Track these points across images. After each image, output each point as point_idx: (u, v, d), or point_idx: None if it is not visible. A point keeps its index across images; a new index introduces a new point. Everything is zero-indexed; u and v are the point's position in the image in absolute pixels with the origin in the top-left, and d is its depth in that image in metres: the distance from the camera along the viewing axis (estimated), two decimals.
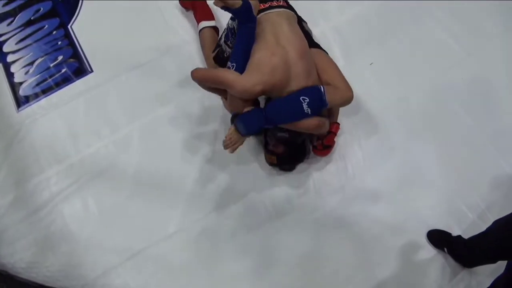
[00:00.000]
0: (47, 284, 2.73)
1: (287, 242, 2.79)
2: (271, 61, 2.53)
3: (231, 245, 2.81)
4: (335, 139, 2.86)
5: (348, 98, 2.65)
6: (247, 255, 2.78)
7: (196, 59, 3.27)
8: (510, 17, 3.43)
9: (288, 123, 2.58)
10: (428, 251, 2.74)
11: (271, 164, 2.88)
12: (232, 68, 2.56)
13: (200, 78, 2.66)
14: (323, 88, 2.55)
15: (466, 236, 2.58)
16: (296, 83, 2.56)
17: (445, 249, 2.69)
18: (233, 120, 2.61)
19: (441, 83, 3.17)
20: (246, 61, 2.57)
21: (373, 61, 3.12)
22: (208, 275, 2.74)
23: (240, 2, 2.50)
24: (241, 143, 2.59)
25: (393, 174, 2.93)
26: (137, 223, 2.84)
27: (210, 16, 3.23)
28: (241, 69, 2.55)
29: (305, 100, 2.49)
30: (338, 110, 2.88)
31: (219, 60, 2.92)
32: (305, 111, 2.49)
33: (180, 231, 2.82)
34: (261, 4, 2.77)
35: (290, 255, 2.77)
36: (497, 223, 2.32)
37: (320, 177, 2.93)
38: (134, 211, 2.87)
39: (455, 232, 2.71)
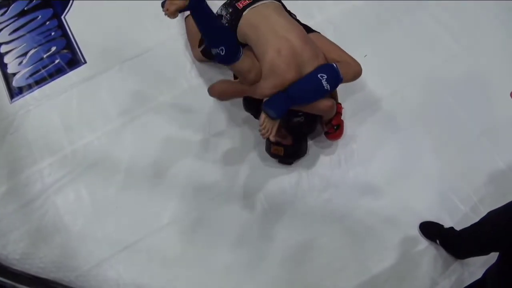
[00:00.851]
0: (40, 276, 2.72)
1: (280, 234, 2.80)
2: (281, 59, 2.53)
3: (224, 237, 2.81)
4: (342, 118, 2.90)
5: (359, 71, 2.71)
6: (240, 247, 2.79)
7: (190, 52, 3.26)
8: (505, 11, 3.44)
9: (311, 101, 2.58)
10: (421, 243, 2.75)
11: (275, 156, 2.87)
12: (222, 53, 2.42)
13: (219, 95, 2.82)
14: (336, 65, 2.56)
15: (458, 228, 2.59)
16: (309, 67, 2.57)
17: (437, 241, 2.70)
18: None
19: (435, 77, 3.18)
20: (229, 37, 2.47)
21: (367, 54, 3.12)
22: (201, 266, 2.74)
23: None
24: (277, 128, 2.55)
25: (386, 166, 2.93)
26: (130, 215, 2.84)
27: None
28: (231, 48, 2.45)
29: (323, 77, 2.49)
30: (336, 91, 2.88)
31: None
32: (325, 87, 2.50)
33: (173, 223, 2.82)
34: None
35: (283, 247, 2.77)
36: (490, 215, 2.32)
37: (313, 170, 2.94)
38: (127, 202, 2.87)
39: (447, 224, 2.72)
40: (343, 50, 2.76)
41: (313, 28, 2.88)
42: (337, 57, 2.69)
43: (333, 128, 2.87)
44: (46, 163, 2.98)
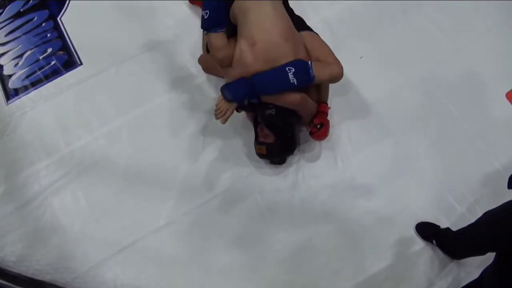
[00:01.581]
0: (37, 278, 2.72)
1: (277, 235, 2.80)
2: (252, 51, 2.56)
3: (221, 238, 2.81)
4: (328, 119, 2.88)
5: (338, 73, 2.67)
6: (237, 248, 2.79)
7: (186, 53, 3.27)
8: (499, 12, 3.44)
9: (274, 93, 2.60)
10: (417, 244, 2.76)
11: (260, 155, 2.87)
12: (206, 16, 2.58)
13: (202, 63, 3.03)
14: (310, 62, 2.57)
15: (454, 228, 2.60)
16: (283, 63, 2.57)
17: (434, 241, 2.71)
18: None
19: (430, 78, 3.18)
20: (220, 10, 2.60)
21: (362, 55, 3.13)
22: (198, 267, 2.75)
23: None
24: (231, 112, 2.60)
25: (382, 167, 2.94)
26: (128, 216, 2.84)
27: None
28: (214, 18, 2.59)
29: (291, 70, 2.51)
30: (328, 91, 2.90)
31: (208, 48, 2.92)
32: (291, 81, 2.51)
33: (171, 224, 2.83)
34: None
35: (280, 247, 2.78)
36: (486, 215, 2.33)
37: (310, 171, 2.94)
38: (124, 204, 2.87)
39: (443, 225, 2.73)
40: (331, 52, 2.75)
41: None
42: (320, 56, 2.69)
43: (316, 127, 2.84)
44: (43, 164, 2.98)
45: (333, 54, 2.74)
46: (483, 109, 3.11)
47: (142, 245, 2.78)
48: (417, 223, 2.78)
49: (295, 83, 2.53)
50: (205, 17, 2.56)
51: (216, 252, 2.78)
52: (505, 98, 3.15)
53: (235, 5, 2.66)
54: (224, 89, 2.56)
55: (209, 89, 3.15)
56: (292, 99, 2.65)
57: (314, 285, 2.71)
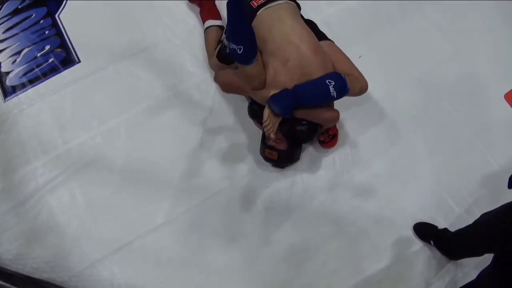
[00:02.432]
0: (34, 276, 2.71)
1: (275, 236, 2.80)
2: (286, 70, 2.55)
3: (218, 238, 2.81)
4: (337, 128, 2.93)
5: (365, 86, 2.73)
6: (235, 247, 2.79)
7: (184, 51, 3.27)
8: (498, 14, 3.45)
9: (315, 104, 2.58)
10: (415, 244, 2.77)
11: (268, 160, 2.85)
12: (239, 51, 2.41)
13: (222, 84, 2.80)
14: (343, 75, 2.57)
15: (452, 229, 2.61)
16: (316, 76, 2.57)
17: (432, 242, 2.72)
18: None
19: (429, 78, 3.19)
20: (252, 40, 2.44)
21: (361, 54, 3.12)
22: (196, 267, 2.74)
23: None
24: (278, 123, 2.55)
25: (380, 168, 2.94)
26: (125, 215, 2.84)
27: (217, 16, 3.20)
28: (249, 51, 2.44)
29: (331, 83, 2.50)
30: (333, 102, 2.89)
31: (222, 56, 2.90)
32: (331, 93, 2.50)
33: (168, 223, 2.82)
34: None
35: (278, 248, 2.78)
36: (484, 216, 2.34)
37: (308, 172, 2.94)
38: (121, 202, 2.86)
39: (441, 225, 2.73)
40: (353, 64, 2.77)
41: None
42: (346, 69, 2.68)
43: (329, 137, 2.90)
44: (40, 162, 2.96)
45: (356, 67, 2.76)
46: (481, 110, 3.12)
47: (139, 244, 2.78)
48: (415, 223, 2.78)
49: (335, 96, 2.52)
50: (239, 53, 2.41)
51: (213, 252, 2.78)
52: (504, 99, 3.16)
53: (255, 25, 2.63)
54: (270, 103, 2.50)
55: (207, 88, 3.14)
56: (331, 115, 2.72)
57: (312, 285, 2.71)
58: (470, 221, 2.46)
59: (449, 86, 3.18)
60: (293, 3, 2.83)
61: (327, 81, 2.51)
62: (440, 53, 3.29)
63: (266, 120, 2.49)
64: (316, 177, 2.93)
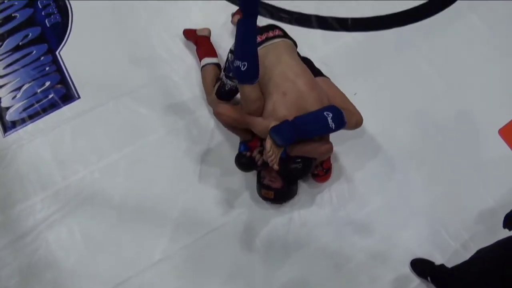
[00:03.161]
0: None
1: (273, 272, 2.79)
2: (284, 102, 2.60)
3: (216, 274, 2.80)
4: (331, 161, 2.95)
5: (360, 121, 2.80)
6: (233, 284, 2.78)
7: (183, 88, 3.31)
8: (490, 50, 3.52)
9: (314, 135, 2.63)
10: (412, 281, 2.77)
11: (266, 199, 2.88)
12: (242, 68, 2.47)
13: (224, 114, 2.77)
14: (341, 109, 2.61)
15: (449, 265, 2.61)
16: (313, 110, 2.62)
17: (428, 278, 2.71)
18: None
19: (424, 114, 3.24)
20: (256, 60, 2.52)
21: (357, 92, 3.17)
22: None
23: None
24: (279, 155, 2.56)
25: (377, 203, 2.96)
26: (123, 251, 2.83)
27: (213, 53, 3.26)
28: (252, 69, 2.51)
29: (329, 115, 2.53)
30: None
31: (221, 93, 2.95)
32: (330, 125, 2.53)
33: (166, 259, 2.81)
34: (258, 37, 2.79)
35: (275, 284, 2.77)
36: (481, 252, 2.35)
37: (306, 207, 2.96)
38: (120, 238, 2.85)
39: (438, 261, 2.74)
40: (348, 99, 2.83)
41: None
42: (341, 104, 2.72)
43: (323, 171, 2.92)
44: (39, 198, 2.96)
45: (350, 102, 2.83)
46: (476, 145, 3.16)
47: (137, 281, 2.76)
48: (412, 259, 2.79)
49: (333, 128, 2.55)
50: (242, 69, 2.47)
51: (211, 287, 2.77)
52: (498, 135, 3.20)
53: None
54: (272, 134, 2.50)
55: (206, 124, 3.17)
56: (326, 148, 2.74)
57: None
58: (467, 256, 2.47)
59: (444, 122, 3.23)
60: (289, 41, 2.90)
61: (325, 113, 2.55)
62: (434, 89, 3.35)
63: (269, 151, 2.50)
64: (314, 212, 2.94)
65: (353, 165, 3.07)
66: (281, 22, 3.57)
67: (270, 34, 2.85)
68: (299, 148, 2.65)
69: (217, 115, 2.81)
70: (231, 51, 2.85)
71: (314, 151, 2.70)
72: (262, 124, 2.63)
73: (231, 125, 2.85)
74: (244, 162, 2.76)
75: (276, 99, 2.62)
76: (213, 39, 3.38)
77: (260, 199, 2.92)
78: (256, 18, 2.46)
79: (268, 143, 2.51)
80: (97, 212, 2.93)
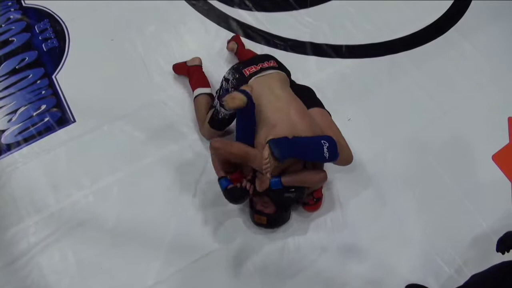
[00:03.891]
0: None
1: None
2: (276, 133, 2.59)
3: None
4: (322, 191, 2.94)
5: (351, 158, 2.84)
6: None
7: (178, 112, 3.34)
8: (484, 77, 3.59)
9: (308, 158, 2.66)
10: None
11: (259, 224, 2.88)
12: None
13: (219, 148, 2.71)
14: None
15: None
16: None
17: None
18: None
19: (417, 140, 3.27)
20: (248, 136, 2.67)
21: (351, 117, 3.20)
22: None
23: (245, 99, 2.59)
24: (273, 167, 2.55)
25: (370, 229, 2.97)
26: (116, 275, 2.80)
27: (206, 83, 3.29)
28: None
29: (325, 144, 2.55)
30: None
31: (214, 122, 2.97)
32: (324, 154, 2.55)
33: (159, 283, 2.78)
34: (253, 67, 2.84)
35: None
36: (475, 277, 2.35)
37: (299, 233, 2.95)
38: (113, 263, 2.83)
39: (432, 287, 2.74)
40: (341, 134, 2.85)
41: None
42: (334, 137, 2.72)
43: (313, 200, 2.92)
44: (32, 221, 2.93)
45: (343, 138, 2.84)
46: (470, 171, 3.19)
47: None
48: (406, 285, 2.78)
49: (327, 157, 2.57)
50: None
51: None
52: (492, 160, 3.23)
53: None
54: (272, 145, 2.51)
55: (200, 149, 3.18)
56: (320, 177, 2.76)
57: None
58: (460, 281, 2.48)
59: (438, 147, 3.26)
60: (283, 73, 2.95)
61: (322, 141, 2.57)
62: (428, 115, 3.39)
63: (267, 159, 2.49)
64: (307, 238, 2.93)
65: (347, 191, 3.08)
66: (276, 49, 3.62)
67: (265, 64, 2.89)
68: (294, 176, 2.68)
69: (215, 149, 2.75)
70: (225, 79, 2.89)
71: (309, 180, 2.72)
72: (259, 161, 2.60)
73: (225, 159, 2.79)
74: (237, 195, 2.71)
75: (267, 131, 2.63)
76: (208, 64, 3.42)
77: (251, 222, 2.92)
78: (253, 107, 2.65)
79: (266, 152, 2.50)
80: (90, 235, 2.91)
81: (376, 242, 2.91)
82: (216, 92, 3.03)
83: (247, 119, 2.68)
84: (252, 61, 2.95)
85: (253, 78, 2.80)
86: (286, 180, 2.66)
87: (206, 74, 3.38)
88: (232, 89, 2.83)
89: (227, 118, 2.92)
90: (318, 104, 2.98)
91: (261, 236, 2.92)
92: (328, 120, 2.89)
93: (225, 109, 2.85)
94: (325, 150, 2.55)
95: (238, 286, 2.80)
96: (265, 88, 2.76)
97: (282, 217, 2.88)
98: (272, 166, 2.52)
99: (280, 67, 2.98)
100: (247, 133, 2.69)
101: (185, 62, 3.44)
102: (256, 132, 2.68)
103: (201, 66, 3.41)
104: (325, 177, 2.77)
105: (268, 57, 3.00)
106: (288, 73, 3.00)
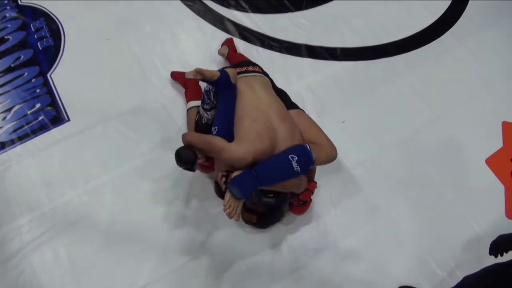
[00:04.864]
0: None
1: None
2: (255, 128, 2.55)
3: None
4: (312, 197, 2.88)
5: (332, 156, 2.69)
6: None
7: (172, 113, 3.34)
8: (478, 81, 3.60)
9: (278, 182, 2.54)
10: None
11: (249, 222, 2.85)
12: (214, 132, 2.57)
13: (191, 141, 2.61)
14: (309, 146, 2.54)
15: None
16: (283, 145, 2.56)
17: None
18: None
19: (411, 143, 3.28)
20: (228, 125, 2.60)
21: (345, 120, 3.21)
22: None
23: (218, 74, 2.58)
24: (241, 206, 2.50)
25: (364, 231, 2.97)
26: (108, 275, 2.80)
27: (200, 97, 3.22)
28: (222, 132, 2.57)
29: (294, 159, 2.46)
30: (315, 168, 2.88)
31: (197, 127, 2.96)
32: (295, 169, 2.46)
33: (149, 284, 2.78)
34: (237, 68, 2.84)
35: None
36: (467, 280, 2.36)
37: (292, 234, 2.95)
38: (105, 262, 2.82)
39: None
40: (322, 131, 2.77)
41: (293, 94, 2.98)
42: (313, 137, 2.70)
43: (299, 202, 2.85)
44: (25, 220, 2.93)
45: (324, 134, 2.76)
46: (464, 174, 3.20)
47: None
48: (398, 287, 2.78)
49: (299, 171, 2.48)
50: (214, 133, 2.59)
51: None
52: (485, 164, 3.24)
53: None
54: (231, 186, 2.44)
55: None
56: (292, 184, 2.61)
57: None
58: (453, 284, 2.47)
59: (431, 151, 3.27)
60: (267, 78, 2.94)
61: (289, 156, 2.48)
62: (422, 118, 3.40)
63: (227, 203, 2.45)
64: (300, 239, 2.94)
65: (340, 193, 3.08)
66: (271, 50, 3.63)
67: (250, 68, 2.89)
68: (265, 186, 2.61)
69: (184, 141, 2.66)
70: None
71: (281, 187, 2.61)
72: (233, 149, 2.50)
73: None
74: (186, 157, 2.59)
75: (247, 124, 2.57)
76: (203, 65, 3.38)
77: (246, 226, 2.92)
78: (234, 91, 2.63)
79: (227, 196, 2.45)
80: (83, 235, 2.90)
81: (369, 244, 2.92)
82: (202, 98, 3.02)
83: (226, 102, 2.63)
84: (238, 64, 2.95)
85: (238, 77, 2.79)
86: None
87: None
88: (214, 88, 2.78)
89: (210, 124, 2.89)
90: (295, 106, 2.93)
91: (254, 237, 2.92)
92: (307, 121, 2.83)
93: (204, 107, 2.82)
94: (295, 165, 2.46)
95: (230, 286, 2.79)
96: (247, 87, 2.74)
97: (273, 215, 2.84)
98: (237, 209, 2.47)
99: (264, 74, 2.98)
100: (227, 118, 2.62)
101: (184, 73, 3.42)
102: (238, 125, 2.60)
103: (198, 80, 3.39)
104: (297, 184, 2.66)
105: (253, 64, 3.01)
106: (271, 80, 2.99)
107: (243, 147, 2.50)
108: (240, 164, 2.49)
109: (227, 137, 2.56)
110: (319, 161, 2.61)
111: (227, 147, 2.51)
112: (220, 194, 2.74)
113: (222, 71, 2.62)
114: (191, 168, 2.61)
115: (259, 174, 2.45)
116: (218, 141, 2.54)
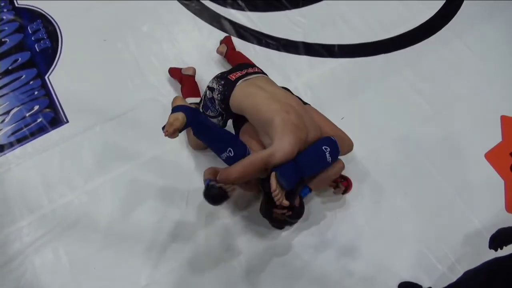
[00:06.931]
0: None
1: None
2: (290, 119, 2.56)
3: None
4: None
5: (351, 146, 2.86)
6: None
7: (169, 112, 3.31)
8: (477, 75, 3.61)
9: (314, 173, 2.64)
10: None
11: (278, 221, 2.80)
12: (231, 154, 2.54)
13: (235, 180, 2.52)
14: (335, 139, 2.63)
15: None
16: (313, 134, 2.64)
17: None
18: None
19: (410, 138, 3.28)
20: (232, 139, 2.64)
21: (344, 116, 3.21)
22: None
23: (184, 118, 2.52)
24: (284, 195, 2.51)
25: (363, 227, 2.97)
26: (108, 275, 2.79)
27: (197, 93, 3.28)
28: (238, 148, 2.57)
29: (327, 150, 2.55)
30: None
31: None
32: (328, 159, 2.56)
33: (151, 284, 2.77)
34: (238, 72, 2.83)
35: None
36: (467, 274, 2.35)
37: (292, 232, 2.94)
38: (106, 263, 2.82)
39: (425, 284, 2.74)
40: (336, 125, 2.87)
41: (292, 90, 2.98)
42: (331, 131, 2.76)
43: (346, 182, 2.95)
44: (25, 222, 2.94)
45: (339, 128, 2.86)
46: (463, 169, 3.19)
47: None
48: (399, 283, 2.78)
49: (330, 162, 2.58)
50: (231, 155, 2.55)
51: None
52: (484, 159, 3.24)
53: (236, 95, 2.74)
54: (279, 177, 2.45)
55: (192, 149, 3.18)
56: (339, 168, 2.78)
57: None
58: (453, 279, 2.47)
59: (430, 146, 3.26)
60: (268, 76, 2.96)
61: (323, 147, 2.56)
62: (420, 114, 3.40)
63: (275, 190, 2.45)
64: (299, 237, 2.93)
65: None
66: (268, 48, 3.63)
67: (250, 70, 2.89)
68: (318, 178, 2.71)
69: (229, 181, 2.53)
70: (209, 88, 2.88)
71: (331, 174, 2.75)
72: (279, 148, 2.48)
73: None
74: (215, 194, 2.58)
75: (282, 117, 2.55)
76: (200, 64, 3.43)
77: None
78: (198, 120, 2.58)
79: (274, 182, 2.45)
80: (84, 236, 2.91)
81: (369, 240, 2.91)
82: (200, 102, 3.02)
83: (213, 127, 2.63)
84: (236, 68, 2.94)
85: (240, 80, 2.78)
86: (313, 185, 2.72)
87: (198, 73, 3.40)
88: (219, 95, 2.80)
89: None
90: (302, 101, 2.95)
91: (254, 236, 2.92)
92: (320, 115, 2.90)
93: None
94: (328, 156, 2.55)
95: (229, 285, 2.79)
96: (256, 88, 2.74)
97: (302, 209, 2.83)
98: (282, 195, 2.49)
99: (263, 73, 2.98)
100: (232, 137, 2.66)
101: (180, 69, 3.43)
102: (268, 123, 2.57)
103: (194, 76, 3.42)
104: (343, 166, 2.81)
105: (252, 65, 3.01)
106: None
107: (287, 140, 2.50)
108: (292, 157, 2.51)
109: (242, 149, 2.58)
110: (342, 152, 2.71)
111: (271, 151, 2.50)
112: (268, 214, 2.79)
113: (179, 108, 2.58)
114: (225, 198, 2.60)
115: (300, 164, 2.51)
116: (258, 155, 2.53)
